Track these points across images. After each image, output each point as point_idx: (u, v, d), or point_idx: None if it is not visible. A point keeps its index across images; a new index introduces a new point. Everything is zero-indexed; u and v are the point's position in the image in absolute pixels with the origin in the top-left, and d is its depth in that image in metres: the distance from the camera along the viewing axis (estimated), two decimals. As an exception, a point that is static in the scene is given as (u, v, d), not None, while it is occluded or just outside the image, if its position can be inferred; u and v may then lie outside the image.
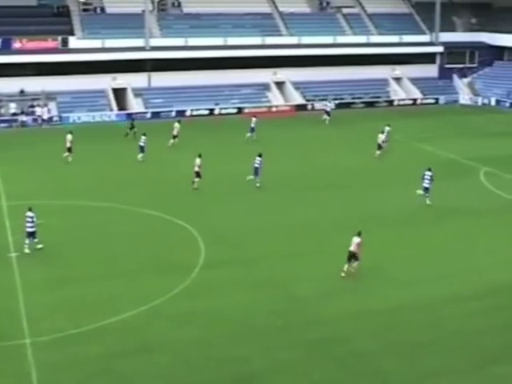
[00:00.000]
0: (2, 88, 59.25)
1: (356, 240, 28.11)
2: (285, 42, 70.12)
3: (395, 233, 33.54)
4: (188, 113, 62.57)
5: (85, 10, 67.86)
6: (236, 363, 21.80)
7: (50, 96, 60.85)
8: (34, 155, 47.88)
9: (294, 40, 70.54)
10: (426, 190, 37.17)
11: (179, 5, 71.63)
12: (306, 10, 76.10)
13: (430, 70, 75.02)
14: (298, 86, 68.51)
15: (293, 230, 33.76)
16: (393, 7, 77.59)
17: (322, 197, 38.96)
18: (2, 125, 57.82)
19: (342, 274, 28.04)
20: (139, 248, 31.13)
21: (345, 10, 76.09)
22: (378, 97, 69.31)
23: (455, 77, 74.82)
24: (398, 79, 72.36)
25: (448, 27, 76.08)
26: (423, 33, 75.78)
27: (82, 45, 63.83)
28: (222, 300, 26.06)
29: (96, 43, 64.24)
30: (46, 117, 59.14)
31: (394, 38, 73.42)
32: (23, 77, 60.75)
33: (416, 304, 26.03)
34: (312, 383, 21.04)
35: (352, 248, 28.00)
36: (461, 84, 74.21)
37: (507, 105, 68.86)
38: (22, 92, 61.05)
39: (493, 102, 70.45)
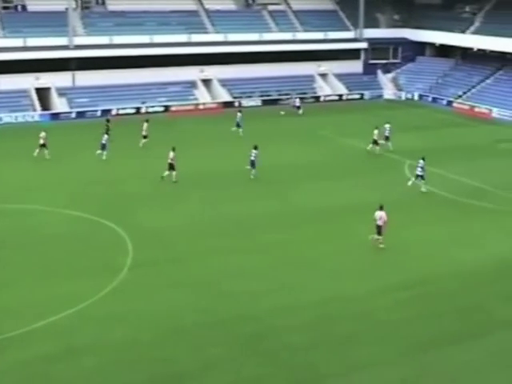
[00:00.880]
0: None
1: (380, 214, 30.52)
2: (211, 40, 69.93)
3: (323, 227, 33.88)
4: (114, 112, 61.73)
5: (5, 8, 66.15)
6: (165, 363, 21.64)
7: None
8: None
9: (220, 37, 70.43)
10: (421, 177, 39.01)
11: (103, 2, 70.62)
12: (232, 7, 76.11)
13: (355, 66, 76.03)
14: (224, 83, 68.48)
15: (221, 227, 33.78)
16: (318, 4, 78.27)
17: (249, 193, 39.08)
18: None
19: (381, 246, 30.81)
20: (65, 250, 30.55)
21: (270, 7, 76.41)
22: (305, 93, 69.82)
23: (379, 72, 76.06)
24: (323, 75, 73.07)
25: (372, 23, 77.24)
26: (348, 29, 76.70)
27: (3, 44, 62.13)
28: (150, 300, 25.84)
29: (17, 42, 62.66)
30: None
31: (320, 35, 74.04)
32: None
33: (346, 296, 26.44)
34: (243, 379, 21.05)
35: (379, 222, 30.46)
36: (385, 79, 75.51)
37: (430, 99, 70.41)
38: None
39: (416, 97, 71.91)
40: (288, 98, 65.14)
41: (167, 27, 69.18)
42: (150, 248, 30.88)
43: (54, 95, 62.55)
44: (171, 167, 40.40)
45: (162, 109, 63.48)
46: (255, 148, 41.56)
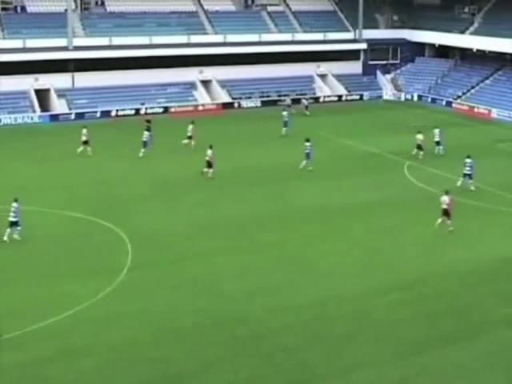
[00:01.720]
0: None
1: (446, 199, 32.60)
2: (210, 41, 69.96)
3: (320, 227, 33.98)
4: (113, 113, 61.82)
5: (4, 9, 66.27)
6: (163, 363, 21.72)
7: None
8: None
9: (219, 38, 70.47)
10: (469, 176, 39.39)
11: (103, 3, 70.71)
12: (231, 8, 76.19)
13: (354, 67, 76.08)
14: (224, 84, 68.56)
15: (219, 227, 33.85)
16: (317, 5, 78.35)
17: (247, 193, 39.17)
18: None
19: (450, 229, 32.79)
20: (64, 252, 30.65)
21: (270, 8, 76.50)
22: (304, 94, 69.87)
23: (379, 73, 76.13)
24: (323, 76, 73.12)
25: (371, 24, 77.32)
26: (347, 30, 76.75)
27: (2, 45, 62.18)
28: (149, 301, 25.93)
29: (17, 43, 62.72)
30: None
31: (319, 36, 74.09)
32: None
33: (342, 296, 26.54)
34: (240, 380, 21.12)
35: (444, 206, 32.63)
36: (384, 80, 75.57)
37: (429, 100, 70.48)
38: None
39: (415, 98, 71.96)
40: (283, 100, 64.95)
41: (166, 28, 69.27)
42: (149, 249, 30.97)
43: (53, 96, 62.61)
44: (209, 165, 41.25)
45: (161, 110, 63.52)
46: (307, 140, 43.28)
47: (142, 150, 46.42)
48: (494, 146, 50.89)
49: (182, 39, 68.52)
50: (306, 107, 62.56)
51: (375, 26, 78.58)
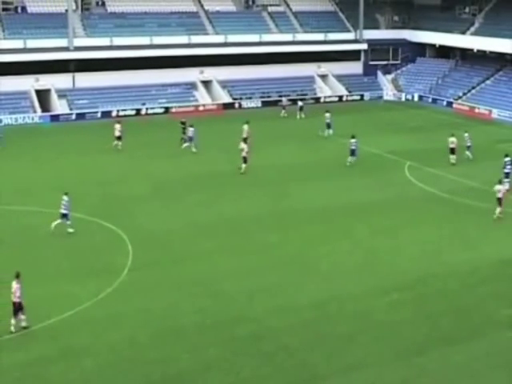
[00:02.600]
0: None
1: (499, 187, 34.77)
2: (211, 41, 69.90)
3: (320, 228, 33.98)
4: (114, 113, 61.82)
5: (5, 10, 66.25)
6: (163, 364, 21.71)
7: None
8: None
9: (220, 39, 70.44)
10: (507, 175, 39.51)
11: (103, 4, 70.69)
12: (232, 8, 76.17)
13: (355, 67, 76.08)
14: (224, 84, 68.57)
15: (219, 227, 33.86)
16: (318, 5, 78.35)
17: (248, 193, 39.17)
18: None
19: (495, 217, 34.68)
20: (66, 252, 30.65)
21: (270, 9, 76.48)
22: (305, 94, 69.88)
23: (379, 73, 76.11)
24: (323, 76, 73.12)
25: (371, 25, 77.29)
26: (348, 30, 76.73)
27: (3, 45, 62.19)
28: (149, 301, 25.92)
29: (18, 43, 62.71)
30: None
31: (319, 36, 74.06)
32: None
33: (343, 296, 26.51)
34: (241, 380, 21.11)
35: (499, 195, 34.67)
36: (385, 80, 75.55)
37: (429, 100, 70.44)
38: None
39: (416, 98, 71.91)
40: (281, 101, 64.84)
41: (167, 28, 69.25)
42: (149, 249, 30.98)
43: (54, 97, 62.61)
44: (245, 160, 42.28)
45: (162, 110, 63.53)
46: (353, 137, 44.33)
47: (191, 145, 47.92)
48: (494, 146, 50.83)
49: (183, 39, 68.50)
50: (301, 108, 61.42)
51: (376, 27, 78.54)
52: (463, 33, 73.01)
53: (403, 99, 72.09)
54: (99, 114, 61.41)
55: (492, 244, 32.10)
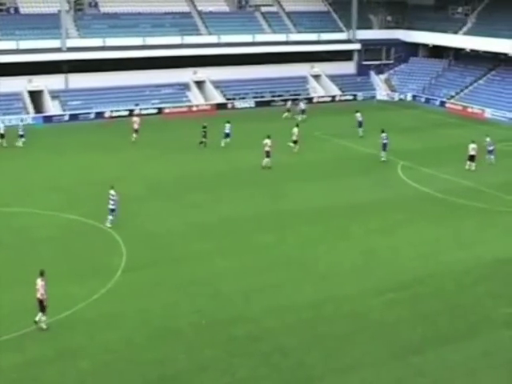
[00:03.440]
0: None
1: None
2: (204, 41, 69.83)
3: (316, 228, 33.96)
4: (107, 114, 61.67)
5: (-3, 11, 66.15)
6: (159, 364, 21.65)
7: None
8: None
9: (213, 39, 70.38)
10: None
11: (96, 4, 70.49)
12: (225, 8, 76.12)
13: (348, 67, 76.17)
14: (218, 84, 68.51)
15: (216, 228, 33.80)
16: (311, 5, 78.37)
17: (243, 194, 39.12)
18: None
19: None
20: (60, 253, 30.53)
21: (263, 9, 76.45)
22: (298, 94, 69.88)
23: (372, 73, 76.20)
24: (316, 76, 73.15)
25: (364, 25, 77.36)
26: (341, 30, 76.78)
27: (-4, 46, 62.05)
28: (145, 302, 25.85)
29: (10, 44, 62.40)
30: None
31: (313, 36, 74.10)
32: None
33: (339, 296, 26.51)
34: (237, 381, 21.07)
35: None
36: (378, 80, 75.64)
37: (423, 100, 70.58)
38: None
39: (409, 98, 72.08)
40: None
41: (160, 29, 69.12)
42: (144, 250, 30.89)
43: (46, 98, 62.42)
44: (267, 155, 43.32)
45: (155, 111, 63.42)
46: (383, 131, 45.86)
47: (227, 140, 49.26)
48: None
49: (176, 40, 68.38)
50: (303, 111, 61.23)
51: (369, 27, 78.62)
52: (456, 33, 73.20)
53: (396, 99, 72.21)
54: (92, 115, 61.23)
55: (487, 243, 32.14)
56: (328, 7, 79.47)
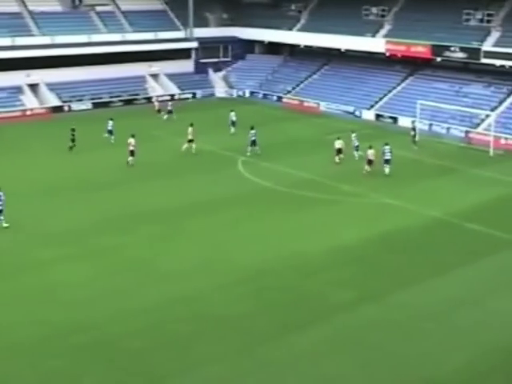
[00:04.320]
0: None
1: (370, 151, 41.92)
2: (37, 43, 67.36)
3: (158, 228, 33.78)
4: None
5: None
6: (4, 383, 20.66)
7: None
8: None
9: (46, 40, 67.95)
10: (387, 161, 42.21)
11: None
12: (58, 8, 73.76)
13: (186, 66, 76.20)
14: (53, 87, 66.31)
15: (55, 235, 32.70)
16: (147, 4, 77.58)
17: (80, 200, 37.98)
18: None
19: (364, 172, 41.90)
20: None
21: (98, 8, 74.77)
22: (137, 94, 69.17)
23: (210, 71, 76.73)
24: (155, 76, 72.71)
25: (201, 23, 77.65)
26: (178, 29, 76.64)
27: None
28: (-19, 317, 24.63)
29: None
30: None
31: (150, 35, 73.38)
32: None
33: (184, 296, 26.42)
34: (83, 389, 20.59)
35: (370, 157, 41.99)
36: (216, 78, 76.26)
37: (260, 96, 71.95)
38: None
39: (247, 94, 73.27)
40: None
41: (-10, 31, 66.05)
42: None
43: None
44: (132, 153, 44.20)
45: (-14, 116, 60.57)
46: (252, 128, 46.90)
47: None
48: (324, 138, 52.61)
49: (6, 41, 65.47)
50: (170, 111, 60.27)
51: (205, 25, 79.04)
52: (290, 29, 75.10)
53: (235, 96, 73.16)
54: None
55: (327, 232, 33.21)
56: (164, 6, 79.09)
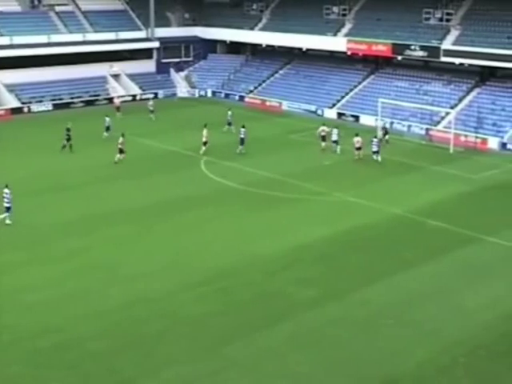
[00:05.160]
0: None
1: (357, 139, 45.00)
2: (-5, 43, 66.63)
3: (123, 229, 33.59)
4: None
5: None
6: (-40, 388, 20.42)
7: None
8: None
9: (5, 40, 67.06)
10: (376, 153, 45.11)
11: None
12: (17, 8, 72.82)
13: (148, 66, 75.81)
14: (12, 88, 65.44)
15: (19, 237, 32.34)
16: (107, 4, 77.02)
17: (46, 200, 37.69)
18: None
19: (356, 158, 44.76)
20: None
21: (58, 8, 74.00)
22: (98, 95, 68.64)
23: (172, 71, 76.48)
24: (116, 76, 72.21)
25: (163, 23, 77.40)
26: (139, 29, 76.23)
27: None
28: None
29: None
30: None
31: (111, 35, 72.89)
32: None
33: (149, 297, 26.32)
34: (46, 394, 20.37)
35: (358, 145, 44.85)
36: (178, 78, 76.02)
37: (222, 95, 71.90)
38: None
39: (209, 94, 73.21)
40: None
41: None
42: None
43: None
44: (121, 151, 44.56)
45: None
46: (243, 127, 47.38)
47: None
48: (287, 137, 52.86)
49: (-36, 42, 64.69)
50: (152, 111, 60.07)
51: (167, 25, 78.78)
52: (252, 29, 75.20)
53: (197, 95, 73.03)
54: None
55: (290, 230, 33.35)
56: (125, 6, 78.57)
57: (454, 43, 58.60)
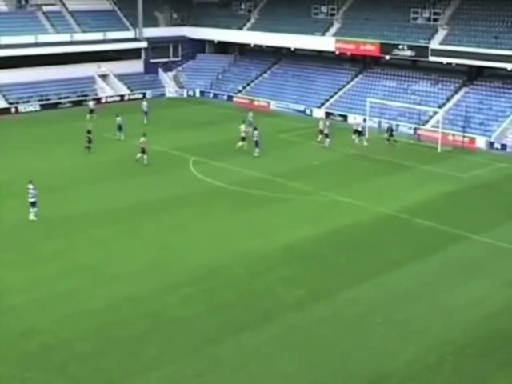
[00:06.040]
0: None
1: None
2: (-18, 44, 66.28)
3: (108, 230, 33.41)
4: None
5: None
6: None
7: None
8: None
9: (-9, 41, 66.97)
10: (361, 133, 49.37)
11: None
12: (3, 8, 72.40)
13: (136, 66, 75.55)
14: (-1, 88, 65.37)
15: (7, 239, 32.14)
16: (95, 4, 76.72)
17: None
18: None
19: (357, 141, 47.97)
20: None
21: (45, 8, 73.66)
22: (86, 95, 68.35)
23: (161, 71, 76.28)
24: (104, 76, 71.96)
25: (151, 23, 77.17)
26: (127, 29, 75.98)
27: None
28: None
29: None
30: None
31: (98, 35, 72.59)
32: None
33: (134, 298, 26.19)
34: (31, 396, 20.23)
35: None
36: (166, 78, 75.82)
37: (211, 95, 71.78)
38: None
39: (197, 94, 73.05)
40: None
41: None
42: None
43: None
44: (143, 151, 44.22)
45: None
46: (255, 129, 47.43)
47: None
48: (276, 136, 52.78)
49: (-50, 43, 64.28)
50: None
51: (155, 25, 78.56)
52: (240, 29, 75.11)
53: (185, 95, 72.85)
54: None
55: (277, 230, 33.29)
56: (113, 6, 78.29)
57: (442, 43, 58.72)
